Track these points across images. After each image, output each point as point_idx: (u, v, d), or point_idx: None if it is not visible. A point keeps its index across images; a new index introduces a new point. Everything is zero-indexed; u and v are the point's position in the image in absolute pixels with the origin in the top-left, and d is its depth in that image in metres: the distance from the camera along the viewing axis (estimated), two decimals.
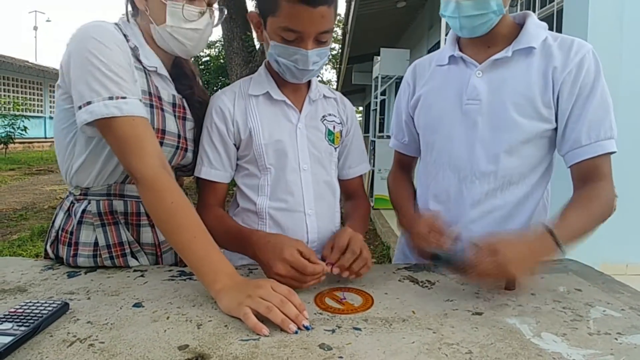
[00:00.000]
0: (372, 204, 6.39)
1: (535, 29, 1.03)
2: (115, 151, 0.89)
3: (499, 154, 1.03)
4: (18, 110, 14.59)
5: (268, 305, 0.72)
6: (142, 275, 0.95)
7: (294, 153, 1.07)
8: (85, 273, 0.97)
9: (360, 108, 20.68)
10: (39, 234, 4.81)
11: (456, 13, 0.99)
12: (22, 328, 0.66)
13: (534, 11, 3.05)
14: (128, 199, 1.01)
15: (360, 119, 19.07)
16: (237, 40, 6.13)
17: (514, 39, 1.03)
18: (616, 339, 0.69)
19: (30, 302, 0.74)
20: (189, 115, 1.08)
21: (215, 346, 0.65)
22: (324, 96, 1.16)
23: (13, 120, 13.23)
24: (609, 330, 0.72)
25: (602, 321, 0.75)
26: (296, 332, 0.69)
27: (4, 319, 0.68)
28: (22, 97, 17.25)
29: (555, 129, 1.02)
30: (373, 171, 6.51)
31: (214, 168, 1.07)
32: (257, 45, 6.22)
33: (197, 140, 1.10)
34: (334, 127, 1.14)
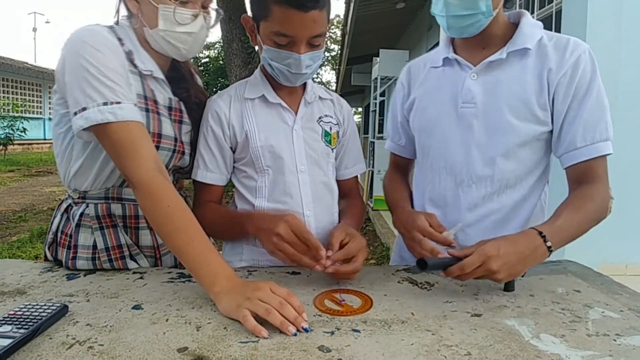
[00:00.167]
0: (371, 205, 6.40)
1: (530, 28, 1.01)
2: (111, 156, 0.89)
3: (495, 157, 1.02)
4: (17, 112, 14.61)
5: (267, 307, 0.72)
6: (141, 278, 0.95)
7: (290, 155, 1.07)
8: (85, 275, 0.97)
9: (360, 109, 20.69)
10: (38, 235, 4.81)
11: (444, 12, 0.98)
12: (22, 330, 0.66)
13: (532, 12, 3.06)
14: (126, 202, 1.01)
15: (360, 120, 19.09)
16: (236, 42, 6.13)
17: (508, 39, 1.02)
18: (615, 340, 0.69)
19: (29, 304, 0.74)
20: (185, 119, 1.07)
21: (215, 348, 0.65)
22: (320, 97, 1.16)
23: (12, 122, 13.24)
24: (607, 332, 0.72)
25: (600, 322, 0.75)
26: (295, 335, 0.69)
27: (3, 322, 0.68)
28: (21, 99, 17.25)
29: (551, 132, 1.01)
30: (372, 172, 6.51)
31: (210, 171, 1.08)
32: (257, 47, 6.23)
33: (194, 143, 1.10)
34: (330, 128, 1.14)
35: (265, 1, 0.92)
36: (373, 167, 6.54)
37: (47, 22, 36.08)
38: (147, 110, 0.97)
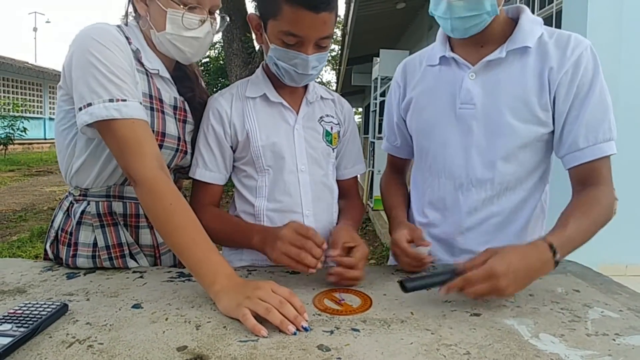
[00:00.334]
0: (371, 205, 6.40)
1: (530, 25, 0.98)
2: (114, 153, 0.90)
3: (496, 160, 1.00)
4: (17, 112, 14.61)
5: (267, 306, 0.72)
6: (141, 277, 0.95)
7: (291, 154, 1.07)
8: (85, 274, 0.97)
9: (360, 109, 20.68)
10: (38, 235, 4.81)
11: (448, 14, 0.94)
12: (22, 329, 0.66)
13: (532, 12, 3.05)
14: (127, 200, 1.02)
15: (360, 120, 19.07)
16: (236, 42, 6.13)
17: (507, 36, 0.99)
18: (614, 339, 0.69)
19: (29, 303, 0.74)
20: (189, 118, 1.08)
21: (214, 347, 0.65)
22: (322, 97, 1.16)
23: (12, 122, 13.25)
24: (607, 331, 0.72)
25: (600, 322, 0.75)
26: (295, 334, 0.69)
27: (4, 320, 0.68)
28: (21, 98, 17.26)
29: (552, 132, 0.99)
30: (372, 172, 6.51)
31: (209, 170, 1.07)
32: (257, 47, 6.23)
33: (194, 142, 1.10)
34: (331, 128, 1.14)
35: (276, 0, 0.92)
36: (373, 167, 6.53)
37: (47, 22, 36.10)
38: (152, 109, 0.97)
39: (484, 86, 1.00)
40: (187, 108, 1.08)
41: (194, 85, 1.12)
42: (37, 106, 19.11)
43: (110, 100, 0.86)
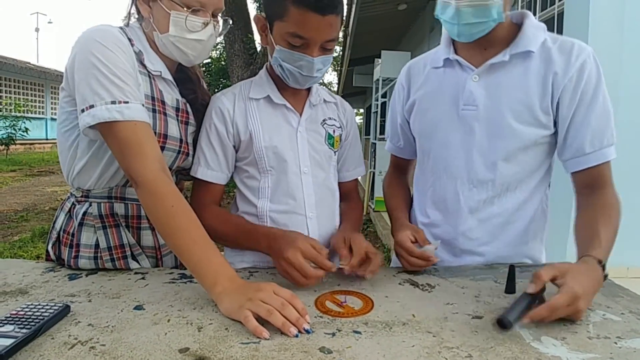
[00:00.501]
0: (372, 206, 6.40)
1: (534, 30, 0.99)
2: (116, 155, 0.90)
3: (497, 161, 1.01)
4: (19, 112, 14.62)
5: (269, 308, 0.72)
6: (143, 278, 0.95)
7: (294, 156, 1.07)
8: (86, 275, 0.97)
9: (361, 110, 20.69)
10: (39, 235, 4.82)
11: (455, 20, 0.95)
12: (24, 330, 0.66)
13: (534, 14, 3.06)
14: (129, 202, 1.02)
15: (361, 121, 19.09)
16: (238, 43, 6.14)
17: (511, 40, 1.00)
18: (616, 342, 0.69)
19: (31, 304, 0.75)
20: (191, 120, 1.08)
21: (216, 349, 0.65)
22: (325, 100, 1.17)
23: (14, 122, 13.28)
24: (608, 334, 0.72)
25: (601, 325, 0.75)
26: (297, 336, 0.69)
27: (6, 322, 0.68)
28: (23, 99, 17.27)
29: (553, 134, 1.00)
30: (373, 173, 6.51)
31: (211, 169, 1.07)
32: (259, 48, 6.24)
33: (196, 143, 1.10)
34: (333, 131, 1.15)
35: (283, 2, 0.93)
36: (374, 168, 6.53)
37: (49, 23, 36.21)
38: (154, 110, 0.97)
39: (487, 88, 1.01)
40: (189, 110, 1.08)
41: (196, 87, 1.12)
42: (39, 106, 19.14)
43: (113, 102, 0.86)
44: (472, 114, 1.02)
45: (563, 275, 0.76)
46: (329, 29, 0.94)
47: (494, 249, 1.07)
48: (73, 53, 0.91)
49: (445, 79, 1.08)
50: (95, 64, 0.87)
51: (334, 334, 0.71)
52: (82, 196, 1.02)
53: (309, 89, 1.13)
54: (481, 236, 1.06)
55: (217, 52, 11.11)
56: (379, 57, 6.46)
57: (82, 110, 0.87)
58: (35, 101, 18.73)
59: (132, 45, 0.96)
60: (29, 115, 15.57)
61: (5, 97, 16.63)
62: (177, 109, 1.04)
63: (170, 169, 1.02)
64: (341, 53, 10.27)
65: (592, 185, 0.98)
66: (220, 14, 1.03)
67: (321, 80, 1.16)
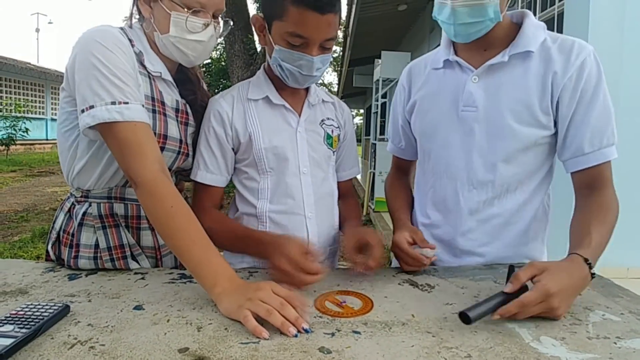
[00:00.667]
0: (372, 207, 6.39)
1: (534, 30, 0.99)
2: (115, 155, 0.90)
3: (497, 162, 1.01)
4: (20, 112, 14.64)
5: (268, 308, 0.72)
6: (142, 278, 0.95)
7: (294, 157, 1.08)
8: (86, 275, 0.97)
9: (362, 110, 20.71)
10: (40, 235, 4.82)
11: (451, 20, 0.95)
12: (23, 330, 0.66)
13: (534, 14, 3.05)
14: (128, 202, 1.02)
15: (361, 121, 19.09)
16: (238, 43, 6.14)
17: (511, 40, 1.00)
18: (615, 343, 0.69)
19: (31, 304, 0.75)
20: (191, 121, 1.08)
21: (215, 349, 0.65)
22: (323, 100, 1.17)
23: (14, 122, 13.28)
24: (608, 335, 0.72)
25: (601, 325, 0.75)
26: (296, 336, 0.69)
27: (5, 321, 0.68)
28: (23, 99, 17.28)
29: (554, 135, 1.00)
30: (374, 174, 6.51)
31: (210, 172, 1.07)
32: (259, 48, 6.24)
33: (195, 144, 1.10)
34: (332, 131, 1.15)
35: (282, 1, 0.93)
36: (374, 168, 6.53)
37: (49, 23, 36.15)
38: (154, 111, 0.98)
39: (487, 89, 1.01)
40: (189, 111, 1.08)
41: (196, 88, 1.12)
42: (39, 107, 19.14)
43: (113, 103, 0.86)
44: (472, 115, 1.02)
45: (541, 273, 0.77)
46: (328, 28, 0.95)
47: (494, 249, 1.07)
48: (73, 53, 0.91)
49: (445, 80, 1.08)
50: (95, 65, 0.87)
51: (333, 334, 0.71)
52: (81, 196, 1.02)
53: (307, 89, 1.13)
54: (481, 237, 1.06)
55: (217, 52, 11.11)
56: (379, 58, 6.46)
57: (82, 111, 0.87)
58: (35, 101, 18.73)
59: (133, 45, 0.97)
60: (29, 115, 15.59)
61: (6, 97, 16.64)
62: (177, 110, 1.04)
63: (169, 169, 1.02)
64: (341, 53, 10.28)
65: (591, 185, 0.97)
66: (220, 15, 1.03)
67: (321, 81, 1.16)
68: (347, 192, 1.27)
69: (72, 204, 1.04)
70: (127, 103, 0.87)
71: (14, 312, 0.72)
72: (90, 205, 1.01)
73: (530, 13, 1.03)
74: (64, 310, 0.75)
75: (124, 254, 1.01)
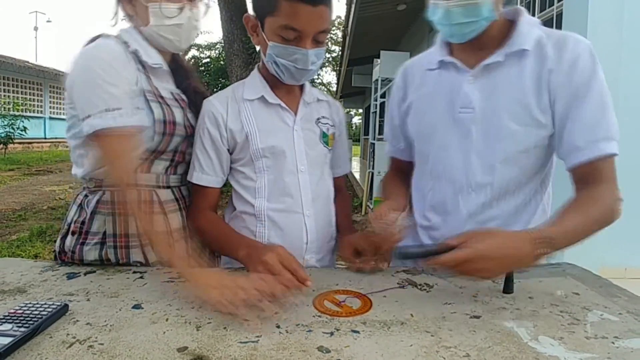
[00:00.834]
0: (371, 207, 6.40)
1: (528, 28, 0.97)
2: (102, 160, 0.96)
3: (495, 164, 1.00)
4: (18, 111, 14.60)
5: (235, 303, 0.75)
6: (141, 277, 0.95)
7: (291, 155, 1.08)
8: (85, 274, 0.97)
9: (360, 110, 20.71)
10: (37, 234, 4.80)
11: (445, 20, 0.94)
12: (22, 329, 0.66)
13: (533, 15, 3.06)
14: (139, 187, 1.02)
15: (360, 121, 19.09)
16: (237, 42, 6.13)
17: (505, 39, 0.98)
18: (613, 342, 0.69)
19: (29, 303, 0.75)
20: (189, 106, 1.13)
21: (214, 348, 0.65)
22: (318, 99, 1.17)
23: (13, 121, 13.23)
24: (606, 334, 0.72)
25: (599, 325, 0.76)
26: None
27: (4, 320, 0.68)
28: (22, 98, 17.24)
29: (553, 135, 0.98)
30: (372, 173, 6.51)
31: (205, 173, 1.08)
32: (258, 48, 6.22)
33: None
34: (327, 130, 1.16)
35: None
36: (373, 168, 6.53)
37: (48, 21, 36.07)
38: (159, 103, 1.02)
39: (483, 90, 1.00)
40: (185, 97, 1.12)
41: (189, 75, 1.17)
42: (38, 105, 19.09)
43: (107, 110, 0.91)
44: (469, 117, 1.01)
45: (475, 236, 0.80)
46: (320, 20, 0.95)
47: None
48: (72, 68, 0.96)
49: (441, 81, 1.07)
50: (91, 77, 0.93)
51: (332, 334, 0.71)
52: (95, 186, 1.05)
53: (302, 88, 1.13)
54: None
55: (216, 51, 11.10)
56: (378, 58, 6.47)
57: (82, 120, 0.93)
58: (33, 100, 18.68)
59: (128, 47, 1.00)
60: (28, 114, 15.51)
61: (4, 96, 16.60)
62: (176, 100, 1.09)
63: (182, 153, 1.09)
64: (340, 53, 10.28)
65: (586, 180, 0.94)
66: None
67: (320, 80, 1.17)
68: (341, 188, 1.29)
69: (85, 195, 1.06)
70: (119, 109, 0.93)
71: (12, 311, 0.72)
72: (104, 193, 1.04)
73: (524, 10, 1.01)
74: (63, 309, 0.75)
75: (127, 244, 1.03)
